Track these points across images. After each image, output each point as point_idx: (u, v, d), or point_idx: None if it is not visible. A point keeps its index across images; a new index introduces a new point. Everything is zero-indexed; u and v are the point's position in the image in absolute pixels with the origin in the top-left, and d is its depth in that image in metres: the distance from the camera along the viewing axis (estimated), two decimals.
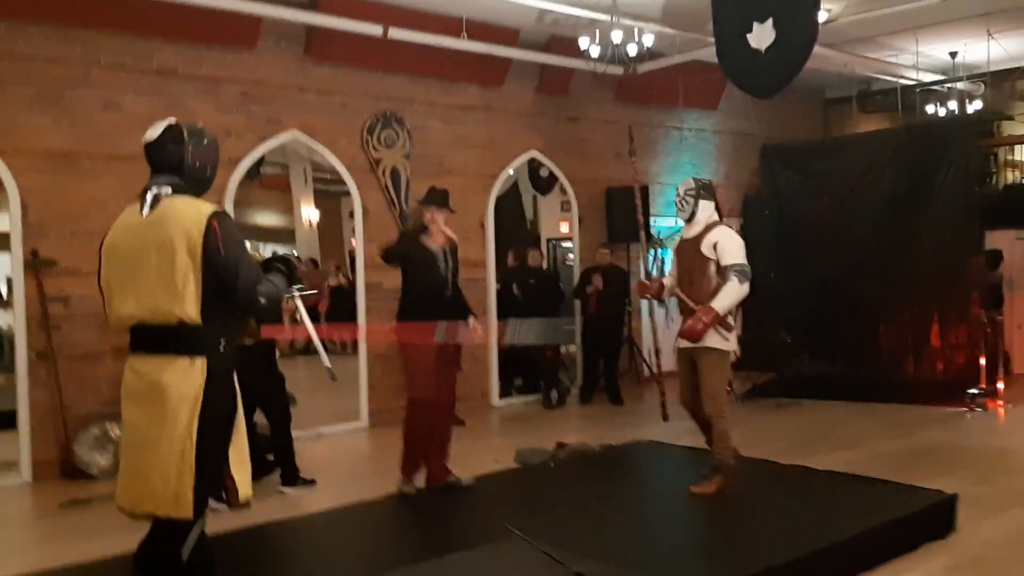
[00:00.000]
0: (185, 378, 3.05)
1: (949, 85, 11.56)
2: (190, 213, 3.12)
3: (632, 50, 8.02)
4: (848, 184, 10.43)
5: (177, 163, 3.24)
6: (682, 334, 5.19)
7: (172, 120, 3.30)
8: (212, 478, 3.15)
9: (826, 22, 7.83)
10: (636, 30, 8.10)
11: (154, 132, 3.28)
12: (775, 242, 11.05)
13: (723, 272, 5.15)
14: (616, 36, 7.88)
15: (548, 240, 12.01)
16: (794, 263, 10.68)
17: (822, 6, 7.24)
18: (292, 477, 6.11)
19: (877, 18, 8.70)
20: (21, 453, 6.64)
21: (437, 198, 5.60)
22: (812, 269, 10.50)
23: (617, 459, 6.40)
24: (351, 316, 8.57)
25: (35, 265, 6.70)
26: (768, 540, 4.53)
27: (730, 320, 5.22)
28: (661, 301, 5.98)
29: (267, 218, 13.94)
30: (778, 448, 6.87)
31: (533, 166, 10.37)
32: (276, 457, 6.16)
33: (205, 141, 3.32)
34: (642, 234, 6.84)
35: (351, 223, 9.69)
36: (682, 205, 5.33)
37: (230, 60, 7.68)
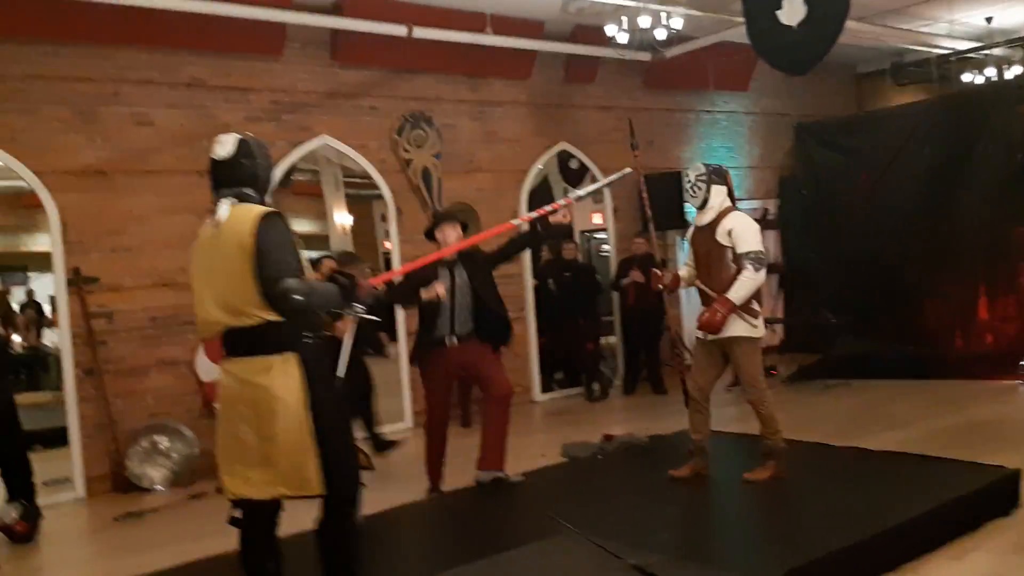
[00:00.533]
0: (285, 380, 3.20)
1: (985, 52, 11.27)
2: (246, 219, 3.25)
3: (660, 35, 7.92)
4: (886, 159, 10.22)
5: (250, 176, 3.37)
6: (701, 326, 5.09)
7: (238, 135, 3.41)
8: (342, 455, 3.34)
9: None
10: (663, 14, 8.00)
11: (225, 149, 3.38)
12: (814, 221, 10.89)
13: (738, 259, 5.03)
14: (644, 21, 7.79)
15: (581, 232, 11.93)
16: (834, 242, 10.51)
17: None
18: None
19: None
20: (74, 469, 6.73)
21: (441, 217, 5.76)
22: (853, 247, 10.31)
23: (665, 449, 6.31)
24: (389, 317, 8.57)
25: (77, 282, 6.78)
26: (827, 525, 4.43)
27: (755, 305, 5.12)
28: (672, 291, 5.85)
29: (300, 225, 13.96)
30: (829, 430, 6.74)
31: (562, 158, 10.29)
32: None
33: (267, 150, 3.49)
34: (651, 226, 6.82)
35: (384, 226, 9.72)
36: (694, 191, 5.18)
37: (258, 69, 7.71)
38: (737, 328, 5.06)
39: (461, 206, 8.91)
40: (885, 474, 5.30)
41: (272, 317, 3.20)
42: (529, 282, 9.45)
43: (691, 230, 5.44)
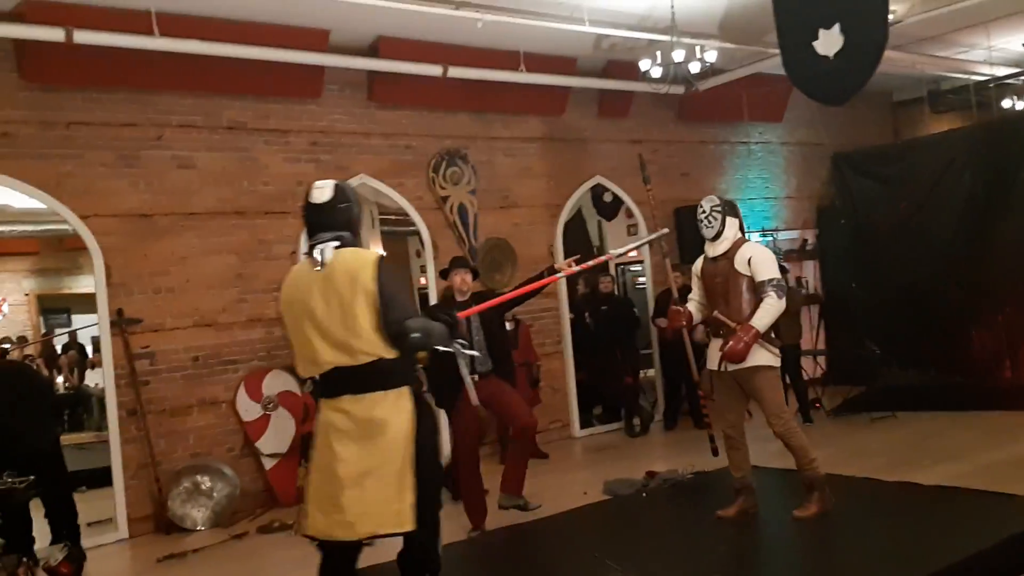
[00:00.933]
0: (397, 410, 3.36)
1: None
2: (360, 260, 3.38)
3: (694, 68, 7.92)
4: (925, 187, 10.09)
5: (347, 221, 3.49)
6: (727, 356, 4.99)
7: (335, 182, 3.54)
8: (434, 491, 3.51)
9: (892, 23, 7.62)
10: (698, 48, 8.01)
11: (324, 195, 3.49)
12: (853, 252, 10.76)
13: (759, 287, 5.00)
14: (678, 55, 7.80)
15: (616, 265, 11.88)
16: (875, 272, 10.36)
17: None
18: None
19: (945, 15, 8.42)
20: (117, 510, 6.75)
21: (456, 262, 5.98)
22: (894, 277, 10.16)
23: (710, 485, 6.20)
24: None
25: (120, 324, 6.86)
26: (880, 563, 4.33)
27: (772, 333, 5.09)
28: (690, 329, 5.78)
29: None
30: (878, 464, 6.59)
31: (596, 192, 10.29)
32: None
33: (356, 195, 3.62)
34: (667, 261, 6.84)
35: (418, 261, 9.75)
36: (709, 221, 5.16)
37: (297, 111, 7.82)
38: (760, 358, 5.00)
39: (496, 242, 8.93)
40: (937, 510, 5.18)
41: (387, 355, 3.33)
42: (566, 316, 9.41)
43: (700, 262, 5.39)
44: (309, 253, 3.45)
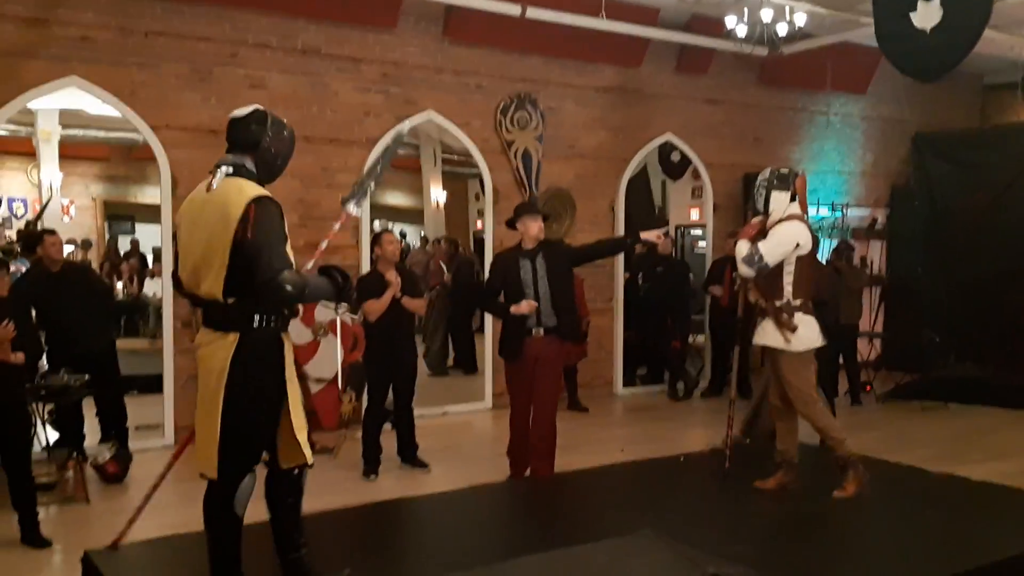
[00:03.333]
0: (217, 351, 3.23)
1: None
2: (234, 196, 3.21)
3: (781, 30, 7.65)
4: (1007, 177, 9.74)
5: (253, 144, 3.35)
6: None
7: (259, 106, 3.45)
8: (245, 449, 3.33)
9: (994, 2, 7.25)
10: (787, 8, 7.72)
11: (241, 111, 3.42)
12: (924, 236, 10.45)
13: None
14: (766, 15, 7.53)
15: (677, 227, 11.72)
16: (944, 259, 10.07)
17: None
18: (411, 455, 6.15)
19: None
20: (166, 417, 6.94)
21: (525, 208, 5.76)
22: (963, 266, 9.86)
23: (750, 457, 6.13)
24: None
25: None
26: (920, 553, 4.24)
27: (797, 318, 4.88)
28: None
29: (397, 198, 14.17)
30: (925, 455, 6.45)
31: (664, 150, 10.11)
32: (398, 433, 6.19)
33: (284, 132, 3.44)
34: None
35: (477, 205, 9.72)
36: (757, 196, 5.09)
37: (371, 40, 7.75)
38: (772, 339, 4.94)
39: (556, 191, 8.83)
40: (983, 507, 5.05)
41: (217, 298, 3.22)
42: (620, 274, 9.31)
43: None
44: (212, 172, 3.35)
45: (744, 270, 4.93)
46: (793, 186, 5.02)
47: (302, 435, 3.46)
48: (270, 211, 3.20)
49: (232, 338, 3.22)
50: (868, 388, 8.97)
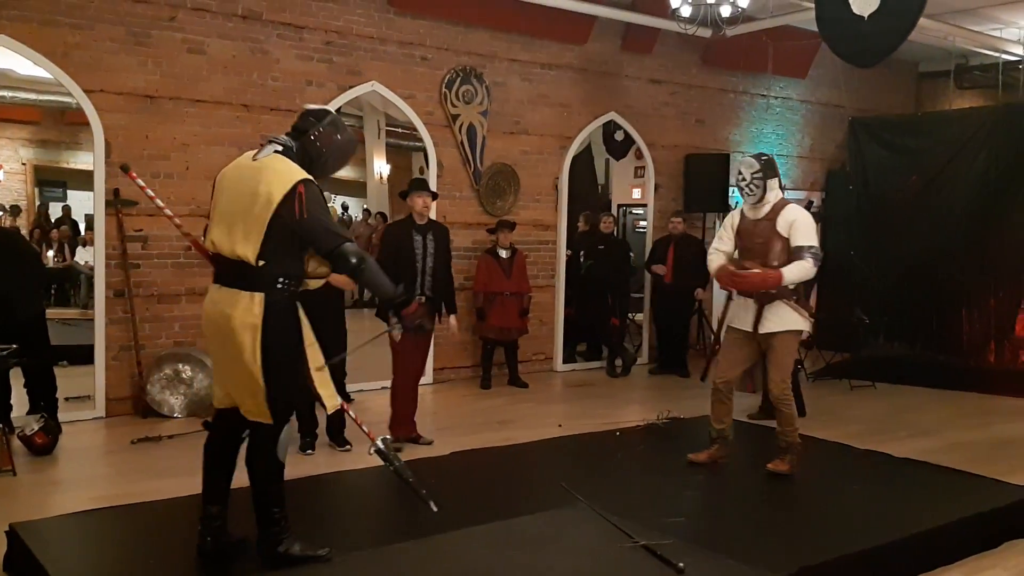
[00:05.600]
0: (247, 311, 3.48)
1: None
2: (283, 173, 3.50)
3: (725, 11, 7.72)
4: (939, 163, 10.03)
5: (303, 130, 3.66)
6: (741, 280, 5.01)
7: (330, 108, 3.95)
8: (290, 391, 3.62)
9: None
10: None
11: (315, 106, 3.85)
12: (857, 219, 10.71)
13: (796, 251, 4.98)
14: None
15: (619, 206, 11.80)
16: (876, 241, 10.35)
17: None
18: (336, 432, 6.06)
19: None
20: (96, 388, 6.79)
21: (416, 184, 6.11)
22: (895, 249, 10.15)
23: (685, 432, 6.26)
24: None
25: (116, 204, 6.79)
26: (843, 526, 4.39)
27: (799, 299, 5.13)
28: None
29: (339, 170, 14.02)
30: (852, 431, 6.66)
31: (608, 129, 10.14)
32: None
33: (338, 135, 3.72)
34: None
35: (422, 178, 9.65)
36: (751, 190, 5.08)
37: (314, 7, 7.61)
38: (792, 321, 5.06)
39: (501, 167, 8.82)
40: (905, 482, 5.25)
41: (249, 260, 3.48)
42: (563, 251, 9.36)
43: (737, 217, 5.31)
44: (261, 144, 3.67)
45: (813, 271, 5.00)
46: (777, 170, 5.18)
47: (325, 388, 3.74)
48: (316, 192, 3.53)
49: (259, 298, 3.48)
50: (799, 367, 9.18)
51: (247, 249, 3.48)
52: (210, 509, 3.74)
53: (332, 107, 7.70)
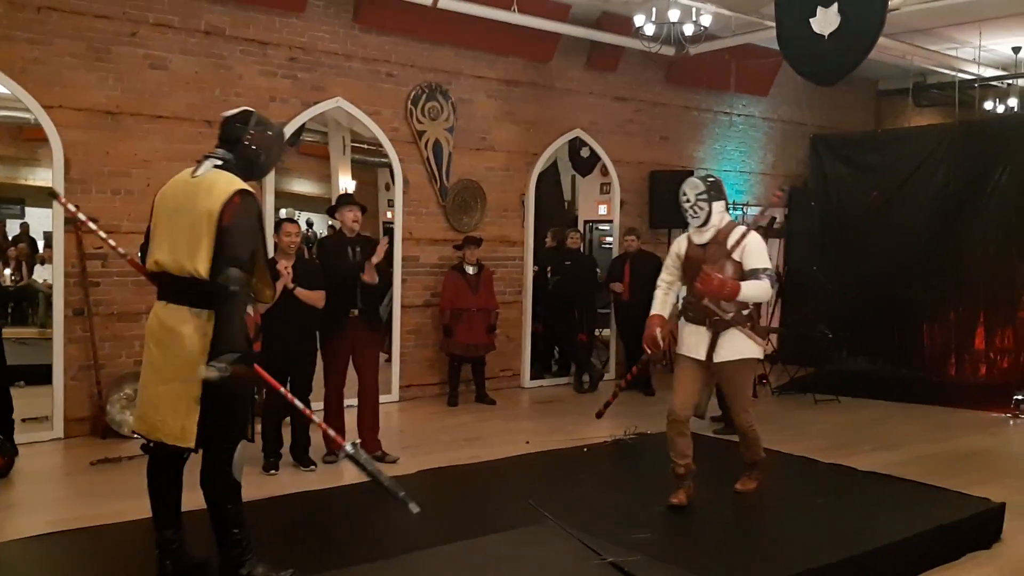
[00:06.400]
0: (194, 328, 3.44)
1: (1010, 81, 11.21)
2: (222, 186, 3.48)
3: (688, 30, 7.81)
4: (899, 179, 10.19)
5: (235, 139, 3.62)
6: (703, 285, 4.58)
7: (248, 108, 3.75)
8: (226, 415, 3.51)
9: (888, 11, 7.57)
10: (694, 9, 7.89)
11: (231, 112, 3.72)
12: (820, 235, 10.85)
13: (751, 275, 4.70)
14: (673, 14, 7.68)
15: (585, 222, 11.84)
16: (838, 257, 10.48)
17: None
18: (301, 452, 5.98)
19: (941, 8, 8.38)
20: (55, 409, 6.65)
21: (344, 199, 6.32)
22: (857, 264, 10.28)
23: (651, 449, 6.27)
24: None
25: (75, 222, 6.67)
26: (808, 541, 4.41)
27: (755, 324, 4.95)
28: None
29: (303, 186, 13.90)
30: (816, 445, 6.71)
31: (574, 146, 10.19)
32: (292, 429, 5.99)
33: (269, 133, 3.69)
34: None
35: (387, 195, 9.61)
36: (695, 211, 4.79)
37: (278, 24, 7.58)
38: (748, 349, 4.84)
39: (467, 183, 8.82)
40: (869, 495, 5.28)
41: (202, 276, 3.43)
42: (530, 267, 9.37)
43: (684, 244, 5.00)
44: (200, 160, 3.64)
45: (771, 292, 4.80)
46: (723, 192, 4.94)
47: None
48: (251, 206, 3.50)
49: (207, 315, 3.43)
50: (764, 382, 9.26)
51: (198, 264, 3.43)
52: (164, 533, 3.68)
53: (297, 123, 7.73)
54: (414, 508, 3.83)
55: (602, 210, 11.04)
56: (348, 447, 3.90)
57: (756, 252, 4.80)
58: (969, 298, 9.67)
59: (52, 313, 6.76)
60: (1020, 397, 8.52)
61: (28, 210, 11.19)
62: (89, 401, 6.76)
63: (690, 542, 4.46)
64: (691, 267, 4.90)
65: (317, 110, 7.91)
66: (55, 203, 6.43)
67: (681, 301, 5.11)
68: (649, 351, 5.16)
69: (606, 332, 10.10)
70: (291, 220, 6.68)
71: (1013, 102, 11.28)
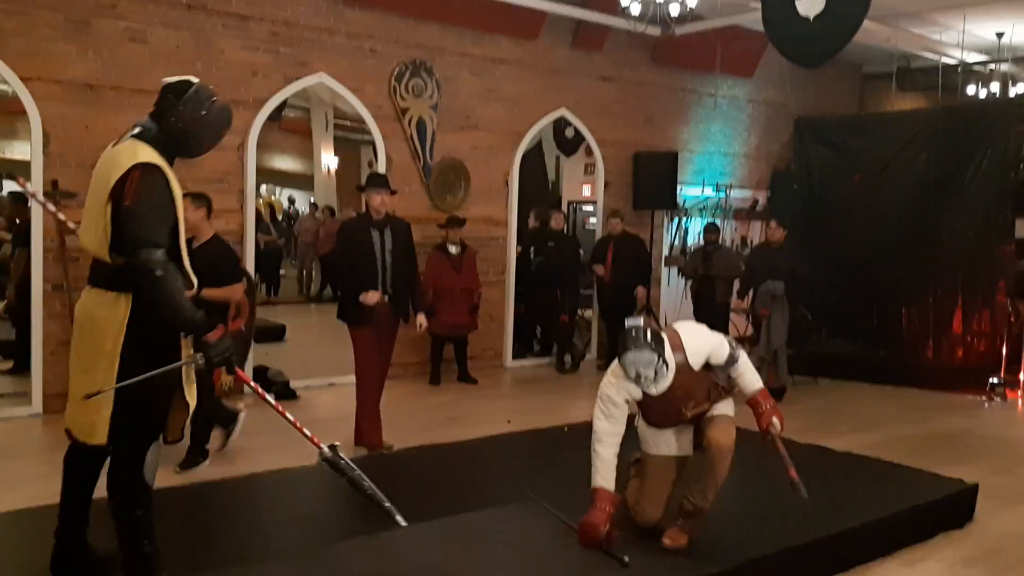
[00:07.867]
0: (110, 313, 3.13)
1: (992, 66, 11.26)
2: (124, 157, 3.14)
3: (674, 10, 7.79)
4: (881, 162, 10.23)
5: (161, 112, 3.28)
6: (775, 424, 4.15)
7: (194, 78, 3.38)
8: (139, 413, 3.20)
9: None
10: None
11: (170, 79, 3.38)
12: (802, 217, 10.88)
13: (729, 362, 4.08)
14: None
15: (569, 203, 11.85)
16: (819, 239, 10.51)
17: None
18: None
19: None
20: (34, 385, 6.61)
21: (374, 180, 5.94)
22: (838, 247, 10.33)
23: (630, 427, 6.29)
24: None
25: (54, 196, 6.60)
26: (785, 521, 4.45)
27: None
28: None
29: (286, 162, 13.85)
30: (794, 427, 6.67)
31: (559, 125, 10.17)
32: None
33: (203, 112, 3.31)
34: None
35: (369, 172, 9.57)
36: (656, 379, 3.88)
37: None
38: (730, 410, 4.24)
39: (451, 162, 8.79)
40: (845, 476, 5.34)
41: (106, 258, 3.15)
42: (513, 247, 9.36)
43: (629, 396, 4.05)
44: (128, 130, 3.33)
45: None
46: (662, 337, 3.98)
47: (185, 413, 3.41)
48: (153, 180, 3.11)
49: (124, 299, 3.12)
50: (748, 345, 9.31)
51: (95, 243, 3.15)
52: (67, 525, 3.49)
53: (278, 98, 7.66)
54: (401, 521, 3.69)
55: (586, 191, 11.06)
56: (325, 449, 3.64)
57: (716, 347, 4.11)
58: (948, 282, 9.75)
59: (31, 289, 6.70)
60: (995, 380, 8.64)
61: (6, 184, 11.06)
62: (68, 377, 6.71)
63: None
64: (654, 406, 4.12)
65: (299, 85, 7.84)
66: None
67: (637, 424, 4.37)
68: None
69: (588, 313, 10.13)
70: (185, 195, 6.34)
71: (995, 87, 11.33)
